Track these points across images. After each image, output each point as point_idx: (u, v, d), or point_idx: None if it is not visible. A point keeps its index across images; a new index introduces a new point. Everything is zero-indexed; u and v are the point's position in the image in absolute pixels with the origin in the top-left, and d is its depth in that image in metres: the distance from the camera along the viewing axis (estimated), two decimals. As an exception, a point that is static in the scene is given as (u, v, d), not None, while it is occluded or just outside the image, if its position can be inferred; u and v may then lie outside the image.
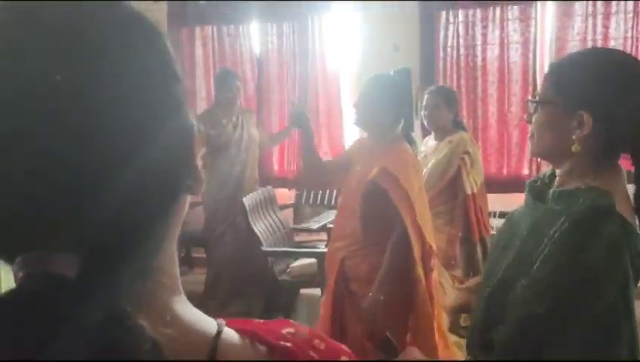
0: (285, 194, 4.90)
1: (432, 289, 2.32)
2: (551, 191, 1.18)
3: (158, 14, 5.20)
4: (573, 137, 1.12)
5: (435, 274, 2.37)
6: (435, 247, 2.37)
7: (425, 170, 3.12)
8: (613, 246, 1.05)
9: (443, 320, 2.38)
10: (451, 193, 3.07)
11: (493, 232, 3.33)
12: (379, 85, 2.38)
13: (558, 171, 1.20)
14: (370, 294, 2.22)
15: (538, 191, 1.23)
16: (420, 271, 2.25)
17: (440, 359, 2.33)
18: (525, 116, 1.29)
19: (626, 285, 1.07)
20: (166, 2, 5.17)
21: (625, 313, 1.07)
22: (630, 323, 1.08)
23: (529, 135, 1.26)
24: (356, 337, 2.32)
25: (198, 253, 5.05)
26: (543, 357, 1.05)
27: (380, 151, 2.33)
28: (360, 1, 4.73)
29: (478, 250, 3.02)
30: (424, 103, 3.21)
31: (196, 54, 5.25)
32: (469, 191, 3.01)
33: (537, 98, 1.22)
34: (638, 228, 1.12)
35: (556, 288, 1.05)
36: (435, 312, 2.32)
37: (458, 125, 3.24)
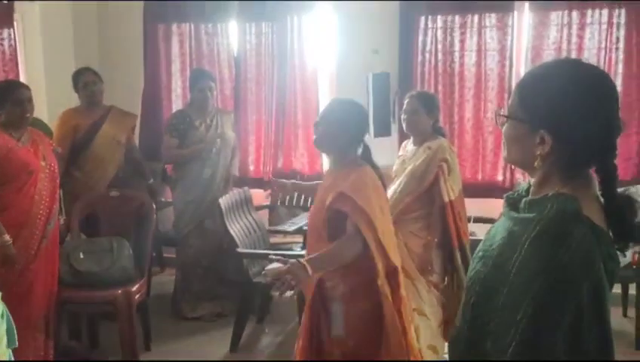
0: (260, 196, 4.87)
1: (400, 306, 2.34)
2: (523, 200, 1.22)
3: (135, 10, 5.13)
4: (537, 153, 1.17)
5: (402, 291, 2.38)
6: (399, 265, 2.39)
7: (402, 175, 3.13)
8: (582, 248, 1.08)
9: (413, 334, 2.42)
10: (428, 199, 3.07)
11: (471, 237, 3.37)
12: (339, 110, 2.42)
13: (531, 180, 1.26)
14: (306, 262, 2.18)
15: (514, 202, 1.27)
16: (386, 288, 2.27)
17: None
18: (498, 123, 1.33)
19: (599, 287, 1.09)
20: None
21: (597, 315, 1.09)
22: (604, 327, 1.10)
23: (502, 142, 1.31)
24: (332, 356, 2.33)
25: (170, 253, 5.00)
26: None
27: (340, 176, 2.36)
28: (340, 2, 4.73)
29: (458, 255, 3.03)
30: (404, 108, 3.19)
31: (172, 52, 5.17)
32: (446, 199, 3.02)
33: (506, 110, 1.25)
34: (608, 234, 1.15)
35: (533, 293, 1.06)
36: (406, 327, 2.34)
37: (437, 131, 3.22)
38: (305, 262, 2.13)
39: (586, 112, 1.14)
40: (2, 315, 1.78)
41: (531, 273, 1.07)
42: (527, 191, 1.28)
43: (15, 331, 1.86)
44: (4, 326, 1.79)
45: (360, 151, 2.43)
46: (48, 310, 3.26)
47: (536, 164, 1.18)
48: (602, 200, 1.18)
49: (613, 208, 1.16)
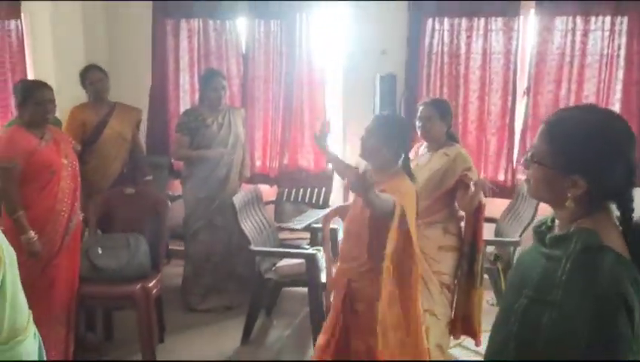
0: (266, 191, 4.96)
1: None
2: (547, 237, 1.35)
3: (144, 5, 5.17)
4: (568, 194, 1.28)
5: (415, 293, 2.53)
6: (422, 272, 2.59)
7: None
8: (614, 277, 1.20)
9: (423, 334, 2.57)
10: (445, 203, 3.17)
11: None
12: (385, 124, 2.61)
13: (556, 214, 1.38)
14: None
15: (542, 235, 1.39)
16: (417, 293, 2.44)
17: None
18: (522, 162, 1.45)
19: (631, 311, 1.20)
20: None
21: (634, 338, 1.21)
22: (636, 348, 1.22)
23: (525, 178, 1.43)
24: (358, 353, 2.49)
25: (175, 246, 5.08)
26: None
27: (380, 182, 2.51)
28: (349, 1, 4.81)
29: (480, 258, 3.16)
30: (418, 114, 3.26)
31: (181, 47, 5.22)
32: (483, 201, 3.14)
33: (532, 153, 1.35)
34: (630, 261, 1.26)
35: (580, 327, 1.18)
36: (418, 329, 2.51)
37: (451, 137, 3.30)
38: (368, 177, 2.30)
39: (614, 157, 1.26)
40: (35, 335, 1.86)
41: (574, 308, 1.19)
42: (552, 221, 1.40)
43: (44, 351, 1.94)
44: (36, 346, 1.86)
45: (400, 162, 2.61)
46: (69, 304, 3.35)
47: (567, 203, 1.29)
48: (621, 228, 1.30)
49: (635, 237, 1.28)
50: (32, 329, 1.83)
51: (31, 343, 1.78)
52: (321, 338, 2.58)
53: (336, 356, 2.54)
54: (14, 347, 1.69)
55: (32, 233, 3.08)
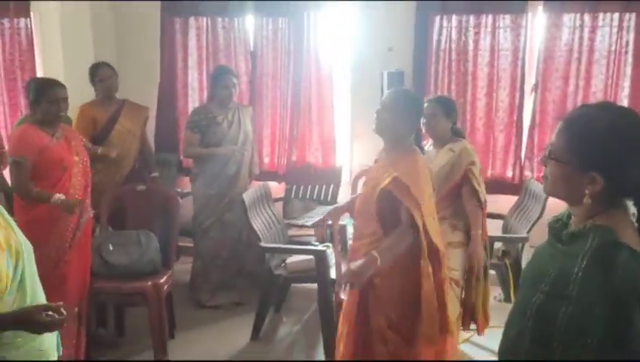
0: (275, 188, 4.98)
1: (441, 284, 2.55)
2: (564, 233, 1.36)
3: (153, 4, 5.19)
4: (586, 191, 1.29)
5: (444, 271, 2.58)
6: (441, 248, 2.59)
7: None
8: (629, 273, 1.21)
9: (450, 312, 2.64)
10: (452, 199, 3.20)
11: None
12: (399, 98, 2.62)
13: (572, 210, 1.39)
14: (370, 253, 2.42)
15: (557, 231, 1.40)
16: (428, 268, 2.47)
17: (444, 347, 2.59)
18: (539, 159, 1.45)
19: None
20: (161, -8, 5.17)
21: None
22: None
23: (542, 175, 1.44)
24: (379, 327, 2.53)
25: (184, 243, 5.11)
26: None
27: (393, 159, 2.57)
28: (356, 0, 4.82)
29: (484, 253, 3.19)
30: (424, 112, 3.29)
31: (189, 45, 5.25)
32: (483, 199, 3.16)
33: (550, 150, 1.37)
34: None
35: (596, 320, 1.19)
36: (446, 304, 2.56)
37: (456, 133, 3.33)
38: (377, 255, 2.38)
39: (632, 154, 1.28)
40: (58, 347, 1.89)
41: (590, 303, 1.21)
42: (568, 217, 1.41)
43: (61, 347, 1.97)
44: (55, 340, 1.89)
45: (412, 138, 2.66)
46: (81, 299, 3.38)
47: (585, 200, 1.30)
48: (637, 225, 1.32)
49: None
50: None
51: (51, 337, 1.81)
52: (343, 329, 2.64)
53: (356, 341, 2.58)
54: (36, 341, 1.71)
55: (57, 194, 3.15)
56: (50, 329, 1.71)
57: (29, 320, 1.64)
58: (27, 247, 1.80)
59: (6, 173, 4.29)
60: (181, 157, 5.22)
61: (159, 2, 5.22)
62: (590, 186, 1.29)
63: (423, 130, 3.38)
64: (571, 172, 1.32)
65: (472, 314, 3.28)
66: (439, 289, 2.52)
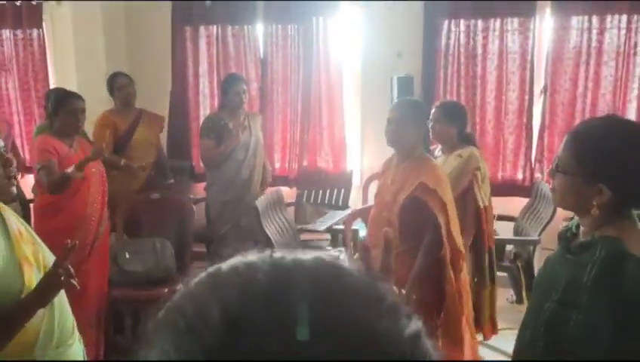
0: (286, 193, 5.02)
1: (461, 288, 2.64)
2: (572, 244, 1.41)
3: (163, 12, 5.26)
4: (594, 203, 1.33)
5: (464, 274, 2.63)
6: (464, 252, 2.68)
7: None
8: (637, 282, 1.25)
9: (471, 315, 2.73)
10: (461, 204, 3.22)
11: (495, 237, 3.57)
12: (404, 110, 2.71)
13: (580, 221, 1.43)
14: (404, 292, 2.44)
15: (567, 241, 1.45)
16: (450, 273, 2.56)
17: (466, 349, 2.65)
18: (548, 172, 1.51)
19: None
20: (171, 1, 5.23)
21: None
22: None
23: (550, 187, 1.48)
24: None
25: (197, 248, 5.15)
26: None
27: (411, 167, 2.64)
28: (365, 4, 4.86)
29: (487, 257, 3.22)
30: (430, 117, 3.33)
31: (200, 53, 5.30)
32: (481, 205, 3.19)
33: (557, 163, 1.41)
34: None
35: (599, 331, 1.24)
36: (464, 308, 2.65)
37: (465, 139, 3.33)
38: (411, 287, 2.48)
39: (638, 165, 1.32)
40: (80, 339, 1.94)
41: (599, 311, 1.25)
42: (577, 226, 1.45)
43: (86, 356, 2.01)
44: (81, 350, 1.94)
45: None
46: (100, 307, 3.44)
47: (592, 211, 1.34)
48: None
49: None
50: (77, 332, 1.91)
51: (78, 346, 1.85)
52: None
53: None
54: (66, 351, 1.76)
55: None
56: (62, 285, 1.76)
57: (47, 281, 1.71)
58: (51, 259, 1.85)
59: (22, 182, 4.37)
60: (193, 164, 5.27)
61: (170, 11, 5.28)
62: (597, 197, 1.33)
63: (431, 136, 3.41)
64: (579, 184, 1.36)
65: (478, 321, 3.30)
66: (459, 292, 2.61)
